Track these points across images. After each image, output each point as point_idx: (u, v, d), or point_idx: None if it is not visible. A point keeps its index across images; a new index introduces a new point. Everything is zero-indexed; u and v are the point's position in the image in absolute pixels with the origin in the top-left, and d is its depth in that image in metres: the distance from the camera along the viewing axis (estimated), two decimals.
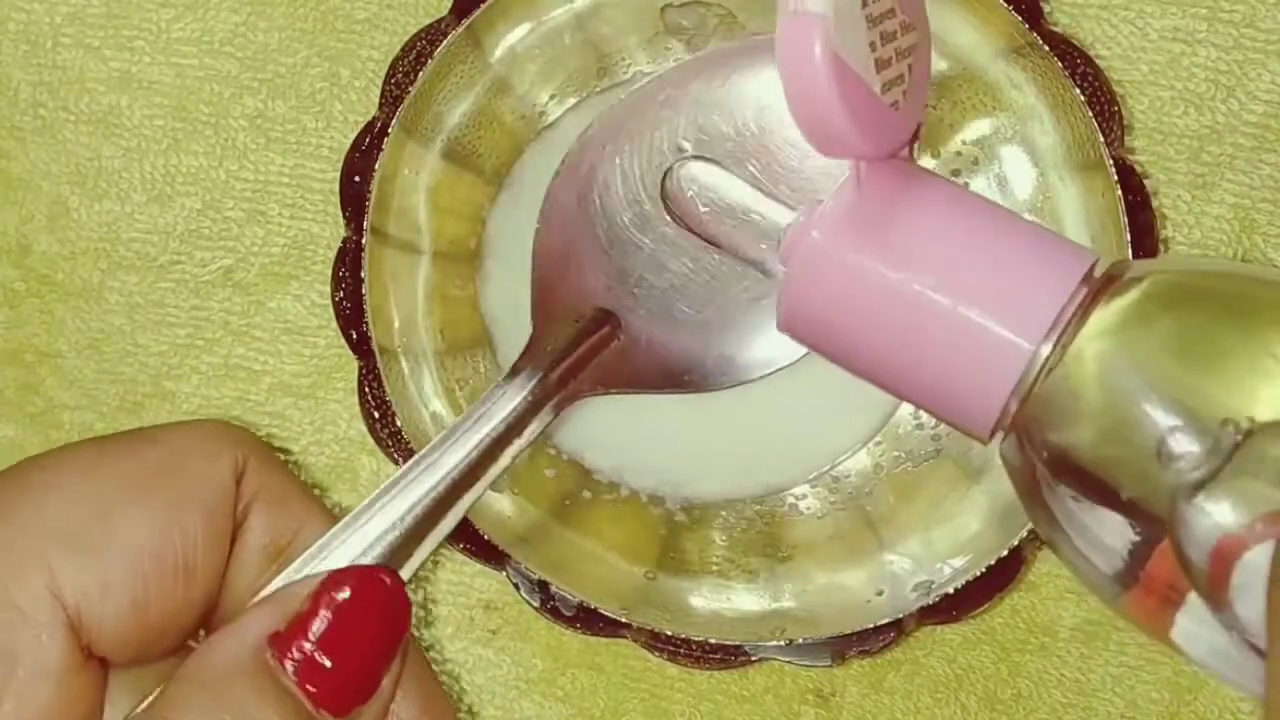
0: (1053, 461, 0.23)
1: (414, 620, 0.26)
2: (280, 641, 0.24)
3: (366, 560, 0.26)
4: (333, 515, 0.28)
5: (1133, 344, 0.22)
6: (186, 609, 0.26)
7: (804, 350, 0.31)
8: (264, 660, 0.24)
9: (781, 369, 0.32)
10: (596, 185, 0.32)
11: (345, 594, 0.24)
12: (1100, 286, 0.23)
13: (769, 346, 0.32)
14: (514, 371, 0.29)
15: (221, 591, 0.27)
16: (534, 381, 0.29)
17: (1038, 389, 0.22)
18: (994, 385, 0.23)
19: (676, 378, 0.32)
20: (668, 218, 0.31)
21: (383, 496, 0.27)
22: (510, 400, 0.29)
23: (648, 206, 0.31)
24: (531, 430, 0.29)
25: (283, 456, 0.36)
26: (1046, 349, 0.22)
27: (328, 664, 0.24)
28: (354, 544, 0.26)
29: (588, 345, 0.31)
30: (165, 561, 0.25)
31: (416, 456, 0.28)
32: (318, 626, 0.24)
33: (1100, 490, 0.22)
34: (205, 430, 0.27)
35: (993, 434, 0.23)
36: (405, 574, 0.26)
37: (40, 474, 0.25)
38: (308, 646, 0.24)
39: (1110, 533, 0.22)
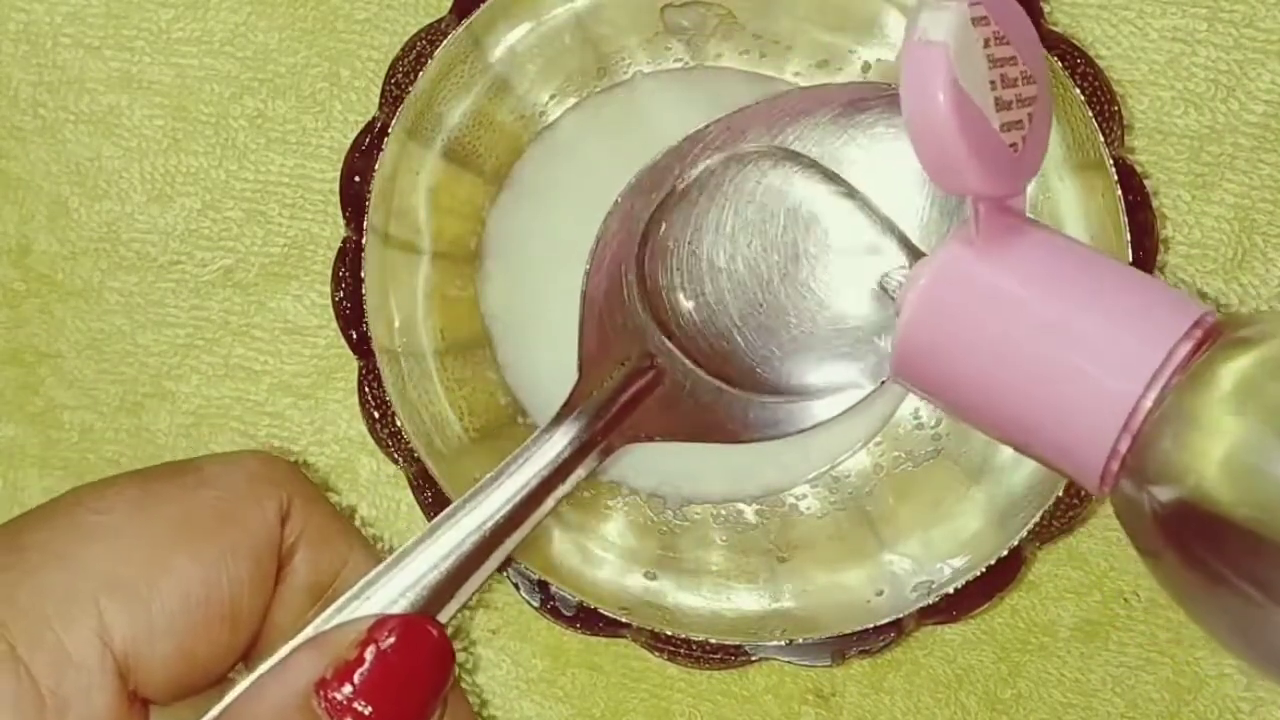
0: (1175, 516, 0.22)
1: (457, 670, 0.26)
2: (326, 689, 0.24)
3: (407, 600, 0.26)
4: (376, 551, 0.28)
5: (1269, 408, 0.22)
6: (231, 651, 0.26)
7: (843, 408, 0.31)
8: (310, 709, 0.24)
9: (821, 424, 0.32)
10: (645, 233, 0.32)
11: (391, 641, 0.24)
12: (1207, 339, 0.23)
13: (810, 402, 0.32)
14: (560, 416, 0.29)
15: (263, 627, 0.27)
16: (579, 427, 0.29)
17: (1150, 442, 0.22)
18: (1099, 434, 0.23)
19: (719, 428, 0.32)
20: (720, 264, 0.31)
21: (427, 537, 0.27)
22: (556, 445, 0.29)
23: (697, 253, 0.32)
24: (576, 476, 0.29)
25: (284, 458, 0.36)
26: (1150, 398, 0.22)
27: (369, 712, 0.24)
28: (396, 584, 0.26)
29: (633, 392, 0.31)
30: (213, 609, 0.25)
31: (462, 498, 0.28)
32: (363, 674, 0.24)
33: (1240, 550, 0.22)
34: (252, 471, 0.27)
35: (1103, 484, 0.23)
36: (446, 615, 0.26)
37: (90, 516, 0.25)
38: (353, 695, 0.24)
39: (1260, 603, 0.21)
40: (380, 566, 0.26)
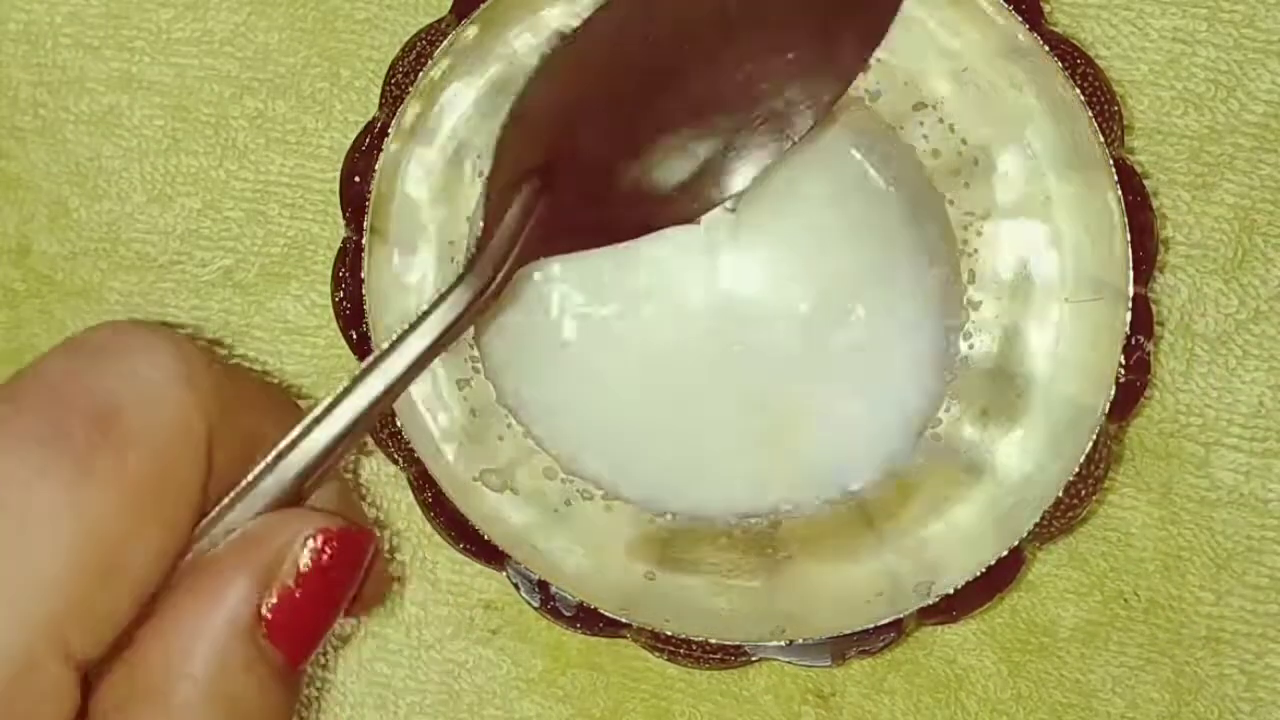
0: None
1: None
2: (270, 625, 0.24)
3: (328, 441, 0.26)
4: (299, 411, 0.27)
5: None
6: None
7: (749, 181, 0.32)
8: (254, 640, 0.24)
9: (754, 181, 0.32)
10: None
11: (327, 556, 0.25)
12: None
13: (713, 180, 0.32)
14: (450, 288, 0.29)
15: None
16: (472, 289, 0.29)
17: None
18: None
19: (618, 227, 0.32)
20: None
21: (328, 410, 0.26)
22: (453, 309, 0.28)
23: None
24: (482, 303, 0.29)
25: None
26: None
27: (306, 629, 0.24)
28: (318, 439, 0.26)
29: (519, 210, 0.30)
30: (152, 585, 0.24)
31: (365, 364, 0.27)
32: (302, 596, 0.24)
33: None
34: (177, 418, 0.24)
35: None
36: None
37: (20, 494, 0.23)
38: (293, 619, 0.24)
39: None
40: (301, 425, 0.26)
